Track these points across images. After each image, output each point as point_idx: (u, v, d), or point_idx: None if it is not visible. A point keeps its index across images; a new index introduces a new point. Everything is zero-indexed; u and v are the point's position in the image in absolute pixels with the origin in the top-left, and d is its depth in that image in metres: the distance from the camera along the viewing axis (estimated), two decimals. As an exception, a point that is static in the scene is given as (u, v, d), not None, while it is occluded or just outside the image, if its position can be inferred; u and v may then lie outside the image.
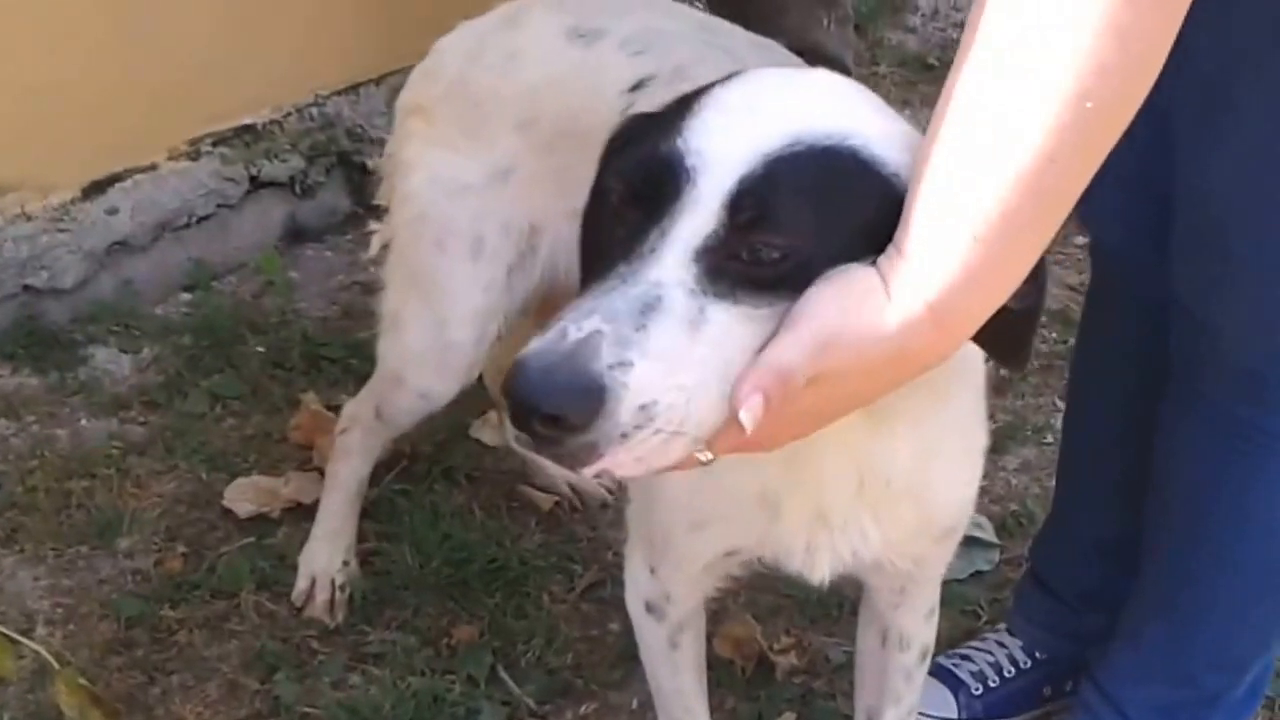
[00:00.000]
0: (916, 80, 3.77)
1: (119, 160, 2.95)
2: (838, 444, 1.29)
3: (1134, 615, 1.93)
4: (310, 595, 2.29)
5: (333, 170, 3.26)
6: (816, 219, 1.07)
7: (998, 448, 2.60)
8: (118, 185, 2.95)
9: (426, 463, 2.56)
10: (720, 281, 1.06)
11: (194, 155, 3.06)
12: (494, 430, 2.62)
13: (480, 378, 2.30)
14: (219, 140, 3.09)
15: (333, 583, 2.28)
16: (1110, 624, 1.97)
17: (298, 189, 3.20)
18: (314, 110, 3.23)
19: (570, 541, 2.45)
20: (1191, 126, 1.60)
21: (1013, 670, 2.14)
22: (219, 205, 3.08)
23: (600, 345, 1.01)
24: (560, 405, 1.00)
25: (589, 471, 1.05)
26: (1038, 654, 2.15)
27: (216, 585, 2.32)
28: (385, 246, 2.08)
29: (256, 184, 3.13)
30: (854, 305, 1.05)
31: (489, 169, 1.87)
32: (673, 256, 1.05)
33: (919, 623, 1.73)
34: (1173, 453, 1.80)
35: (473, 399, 2.33)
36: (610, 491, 2.54)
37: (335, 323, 2.96)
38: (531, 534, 2.46)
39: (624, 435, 1.02)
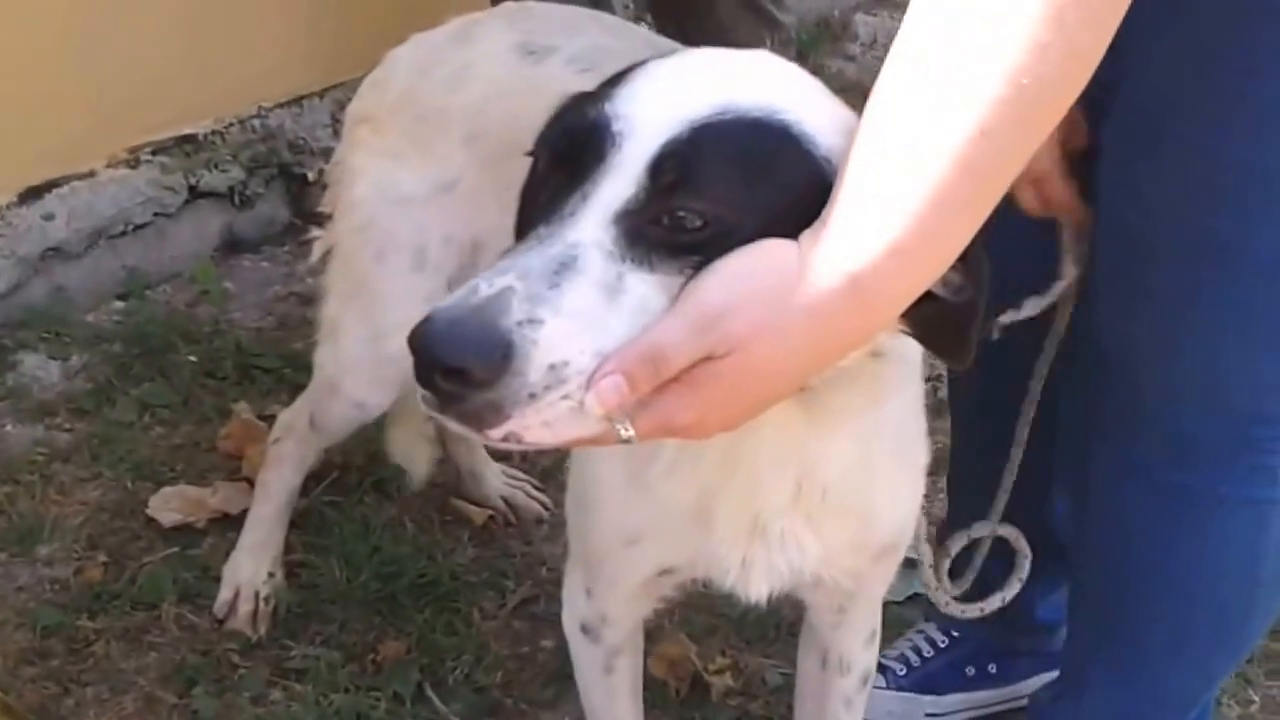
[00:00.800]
0: (857, 107, 3.77)
1: (58, 167, 2.90)
2: (773, 443, 1.27)
3: (1071, 660, 1.91)
4: (233, 607, 2.23)
5: (272, 182, 3.23)
6: (741, 190, 1.05)
7: (936, 469, 2.57)
8: (55, 191, 2.90)
9: (358, 474, 2.51)
10: (639, 247, 1.04)
11: (133, 164, 3.02)
12: (429, 444, 2.57)
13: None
14: (159, 149, 3.05)
15: (257, 594, 2.23)
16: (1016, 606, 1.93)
17: (237, 200, 3.16)
18: (256, 122, 3.20)
19: (503, 556, 2.41)
20: (1125, 162, 1.55)
21: (931, 651, 2.17)
22: (156, 214, 3.04)
23: (510, 301, 0.99)
24: (464, 358, 0.97)
25: (496, 434, 1.01)
26: (954, 633, 2.17)
27: (137, 596, 2.26)
28: (327, 254, 2.05)
29: (195, 194, 3.09)
30: (761, 272, 1.03)
31: (434, 181, 1.86)
32: (591, 219, 1.04)
33: (859, 646, 1.71)
34: (1103, 516, 1.76)
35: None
36: (546, 508, 2.50)
37: (270, 333, 2.92)
38: (464, 548, 2.42)
39: (532, 395, 0.99)
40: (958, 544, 1.78)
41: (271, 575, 2.26)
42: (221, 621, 2.23)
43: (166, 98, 3.02)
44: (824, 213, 1.04)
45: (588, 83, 1.71)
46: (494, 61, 1.82)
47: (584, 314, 1.01)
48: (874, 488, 1.40)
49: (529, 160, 1.74)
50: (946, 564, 1.75)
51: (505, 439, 1.01)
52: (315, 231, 2.12)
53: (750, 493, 1.34)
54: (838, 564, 1.45)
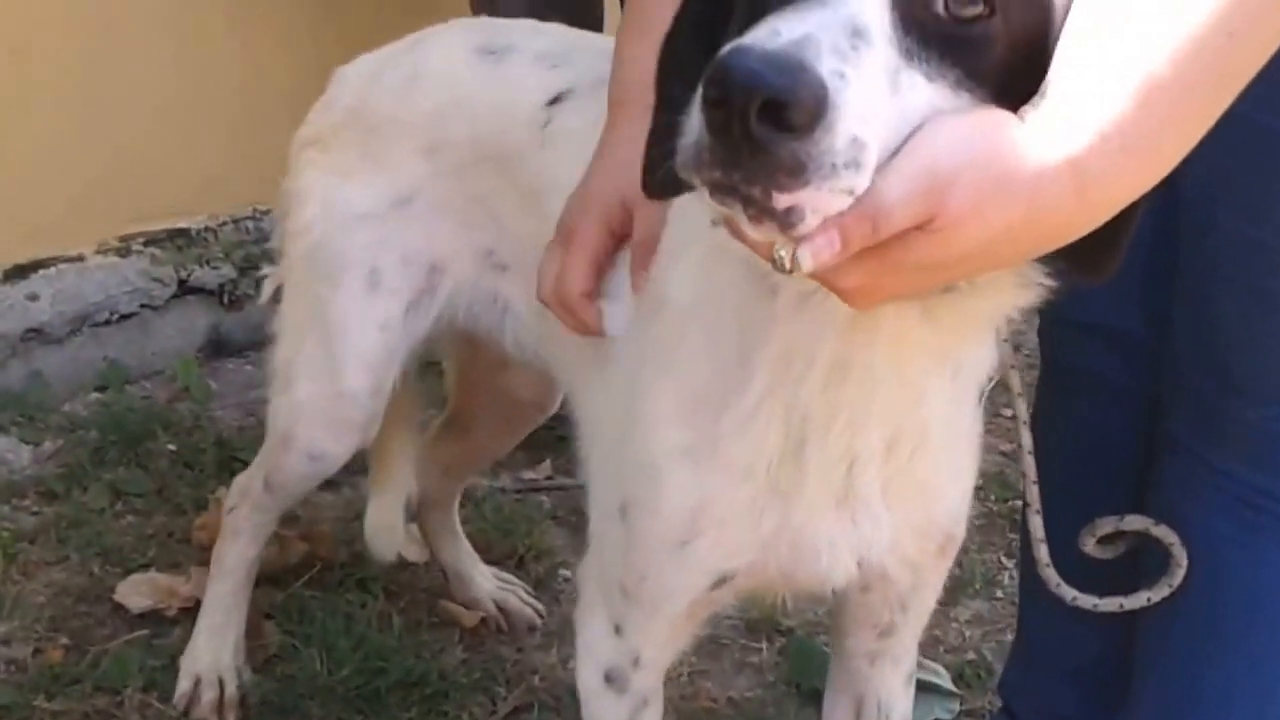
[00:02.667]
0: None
1: (46, 247, 2.84)
2: (889, 359, 1.18)
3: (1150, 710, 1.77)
4: (194, 697, 2.07)
5: (263, 284, 3.15)
6: None
7: (949, 599, 2.50)
8: (41, 272, 2.83)
9: (341, 571, 2.38)
10: (912, 36, 0.93)
11: (123, 252, 2.96)
12: (417, 545, 2.45)
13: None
14: (151, 240, 3.00)
15: (220, 682, 2.07)
16: None
17: (225, 299, 3.08)
18: (250, 223, 3.15)
19: (494, 661, 2.26)
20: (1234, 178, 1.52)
21: None
22: (142, 305, 2.96)
23: (821, 46, 0.86)
24: (791, 89, 0.84)
25: (784, 201, 0.88)
26: None
27: (99, 680, 2.10)
28: (278, 293, 1.93)
29: (184, 288, 3.02)
30: (989, 139, 0.93)
31: (389, 196, 1.75)
32: None
33: (900, 686, 1.58)
34: (1181, 535, 1.64)
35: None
36: (540, 614, 2.37)
37: (252, 431, 2.79)
38: (453, 650, 2.27)
39: (833, 167, 0.87)
40: (1104, 528, 1.62)
41: (236, 661, 2.10)
42: (185, 713, 2.07)
43: (161, 188, 2.98)
44: (1042, 87, 0.96)
45: (560, 79, 1.66)
46: (452, 65, 1.74)
47: (878, 94, 0.90)
48: (943, 462, 1.33)
49: (500, 171, 1.66)
50: (1090, 542, 1.61)
51: (788, 214, 0.89)
52: (265, 269, 2.01)
53: (853, 423, 1.23)
54: (901, 550, 1.35)
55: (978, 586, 2.62)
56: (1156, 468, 1.73)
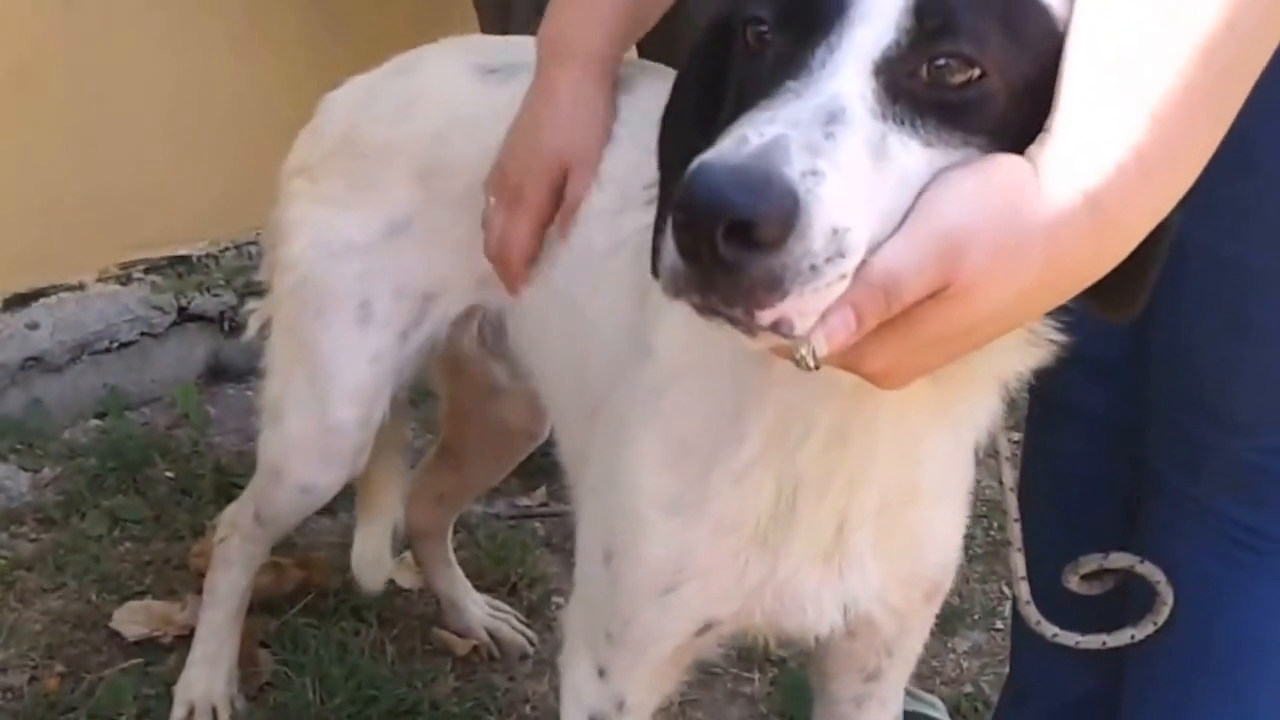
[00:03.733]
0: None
1: (47, 275, 2.86)
2: (894, 420, 1.16)
3: None
4: None
5: (249, 318, 3.16)
6: (1004, 41, 0.94)
7: (947, 629, 2.51)
8: (42, 300, 2.85)
9: (334, 598, 2.39)
10: (900, 104, 0.91)
11: (124, 280, 2.97)
12: (411, 572, 2.47)
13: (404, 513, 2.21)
14: (151, 267, 3.01)
15: (214, 710, 2.09)
16: None
17: (225, 325, 3.10)
18: (251, 249, 3.16)
19: (486, 690, 2.28)
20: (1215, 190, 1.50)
21: None
22: (143, 333, 2.97)
23: (789, 148, 0.85)
24: (754, 207, 0.82)
25: (767, 318, 0.86)
26: None
27: (94, 708, 2.11)
28: (265, 327, 1.91)
29: (184, 315, 3.04)
30: (993, 194, 0.89)
31: (380, 224, 1.71)
32: (850, 68, 0.91)
33: None
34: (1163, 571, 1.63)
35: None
36: (532, 643, 2.39)
37: (251, 457, 2.77)
38: (445, 678, 2.28)
39: (813, 267, 0.85)
40: (1088, 565, 1.61)
41: (229, 690, 2.11)
42: (181, 742, 2.09)
43: (162, 215, 2.99)
44: (1047, 122, 0.93)
45: None
46: (449, 86, 1.69)
47: (859, 174, 0.88)
48: (936, 516, 1.32)
49: None
50: (1075, 579, 1.60)
51: (776, 326, 0.87)
52: (251, 304, 1.98)
53: (849, 486, 1.22)
54: (888, 600, 1.34)
55: (976, 616, 2.63)
56: (1142, 502, 1.71)
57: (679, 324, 1.26)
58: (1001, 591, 2.68)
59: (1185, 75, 0.88)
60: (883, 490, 1.24)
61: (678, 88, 1.15)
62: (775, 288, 0.85)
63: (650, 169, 1.27)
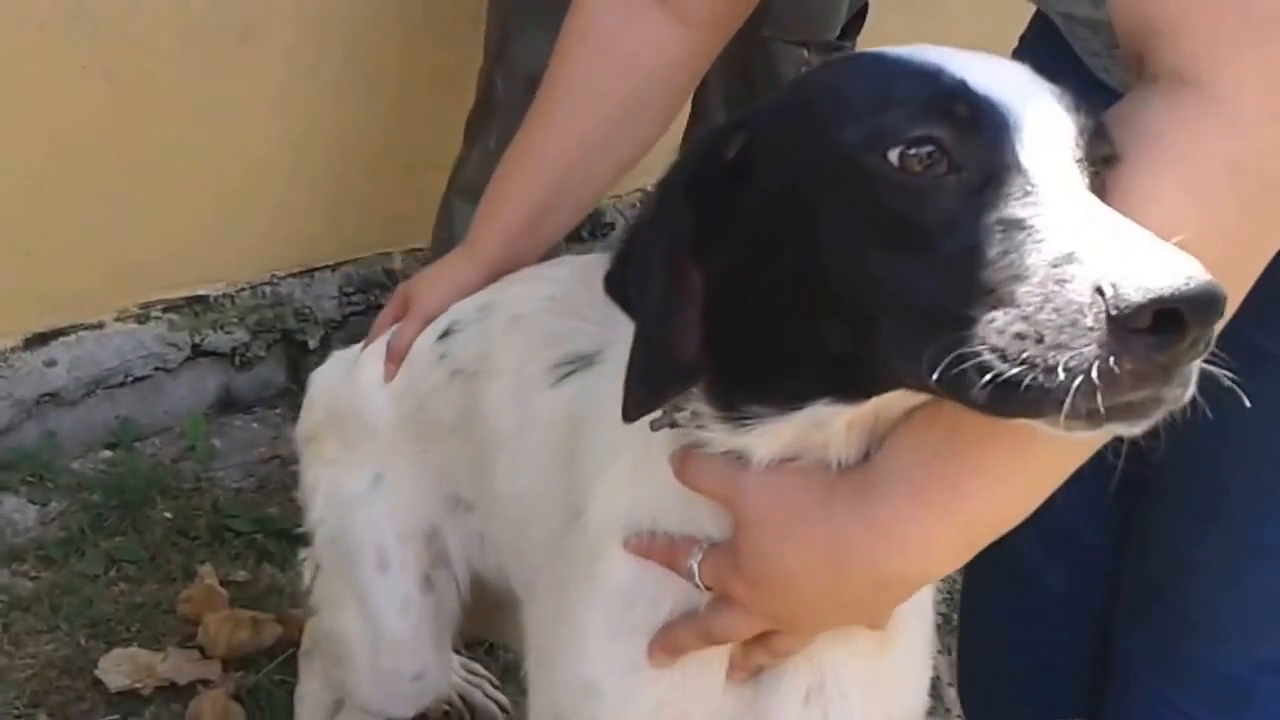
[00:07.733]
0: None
1: (68, 316, 2.98)
2: None
3: None
4: None
5: (274, 346, 3.29)
6: None
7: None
8: (60, 339, 2.97)
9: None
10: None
11: (142, 319, 3.10)
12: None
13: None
14: (170, 307, 3.14)
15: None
16: None
17: (237, 360, 3.23)
18: (267, 288, 3.29)
19: (453, 755, 2.38)
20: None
21: None
22: (156, 368, 3.10)
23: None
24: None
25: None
26: None
27: (71, 760, 2.25)
28: (316, 572, 1.97)
29: (198, 351, 3.17)
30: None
31: (367, 477, 1.81)
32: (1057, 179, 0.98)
33: None
34: None
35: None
36: (504, 709, 2.48)
37: (248, 495, 2.95)
38: (411, 741, 2.39)
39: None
40: None
41: None
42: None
43: (184, 259, 3.11)
44: None
45: (446, 315, 1.72)
46: (417, 358, 1.76)
47: None
48: (907, 661, 1.36)
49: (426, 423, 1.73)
50: None
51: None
52: (303, 553, 2.02)
53: (815, 650, 1.26)
54: None
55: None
56: (1110, 688, 1.60)
57: (614, 486, 1.31)
58: None
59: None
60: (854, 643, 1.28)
61: (661, 216, 1.13)
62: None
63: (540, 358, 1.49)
